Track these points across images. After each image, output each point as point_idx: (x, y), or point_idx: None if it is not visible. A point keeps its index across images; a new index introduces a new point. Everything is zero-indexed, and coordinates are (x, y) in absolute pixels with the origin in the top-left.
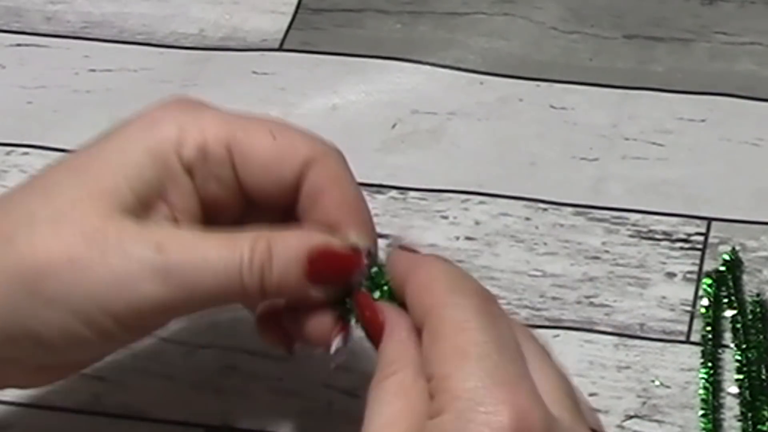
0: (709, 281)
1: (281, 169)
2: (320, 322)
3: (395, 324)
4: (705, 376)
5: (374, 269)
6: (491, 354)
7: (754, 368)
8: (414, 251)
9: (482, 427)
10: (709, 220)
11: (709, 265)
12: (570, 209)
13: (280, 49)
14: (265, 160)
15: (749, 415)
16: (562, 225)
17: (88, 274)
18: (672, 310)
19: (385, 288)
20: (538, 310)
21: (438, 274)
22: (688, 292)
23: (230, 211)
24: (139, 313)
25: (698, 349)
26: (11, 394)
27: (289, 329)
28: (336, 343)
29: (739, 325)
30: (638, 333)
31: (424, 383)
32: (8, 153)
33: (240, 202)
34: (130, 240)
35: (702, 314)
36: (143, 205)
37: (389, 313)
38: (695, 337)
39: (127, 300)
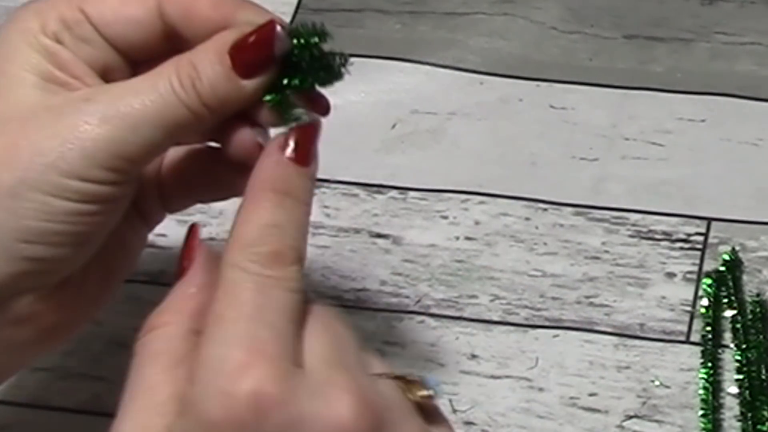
0: (709, 281)
1: (135, 11)
2: (243, 130)
3: (194, 274)
4: (705, 376)
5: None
6: (247, 318)
7: (754, 368)
8: (304, 153)
9: (222, 398)
10: (709, 220)
11: (709, 265)
12: (570, 209)
13: None
14: (115, 7)
15: (749, 415)
16: (562, 225)
17: (35, 149)
18: (672, 310)
19: (315, 51)
20: (538, 310)
21: (250, 223)
22: (688, 292)
23: (117, 75)
24: (95, 160)
25: (698, 349)
26: (11, 394)
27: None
28: (258, 136)
29: (739, 325)
30: (638, 333)
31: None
32: None
33: (120, 62)
34: (60, 106)
35: (702, 314)
36: (50, 84)
37: (198, 261)
38: (695, 337)
39: (78, 152)
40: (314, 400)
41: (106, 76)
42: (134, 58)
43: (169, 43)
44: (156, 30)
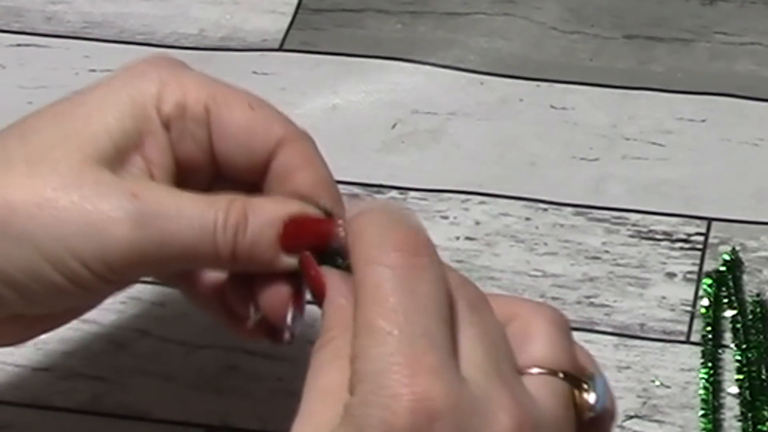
0: (709, 281)
1: (254, 141)
2: (277, 293)
3: (335, 288)
4: (705, 376)
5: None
6: (399, 327)
7: (754, 368)
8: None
9: (384, 411)
10: (709, 220)
11: (709, 265)
12: (570, 209)
13: (280, 49)
14: (240, 129)
15: (749, 415)
16: (562, 225)
17: (60, 216)
18: (672, 310)
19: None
20: None
21: (367, 223)
22: (688, 292)
23: (201, 176)
24: (108, 259)
25: (698, 349)
26: (11, 394)
27: (235, 304)
28: (291, 312)
29: (739, 325)
30: (638, 333)
31: None
32: None
33: (211, 167)
34: (105, 186)
35: (702, 314)
36: (120, 155)
37: (331, 276)
38: (695, 337)
39: (97, 243)
40: (474, 416)
41: (185, 173)
42: (224, 170)
43: (255, 175)
44: (261, 164)
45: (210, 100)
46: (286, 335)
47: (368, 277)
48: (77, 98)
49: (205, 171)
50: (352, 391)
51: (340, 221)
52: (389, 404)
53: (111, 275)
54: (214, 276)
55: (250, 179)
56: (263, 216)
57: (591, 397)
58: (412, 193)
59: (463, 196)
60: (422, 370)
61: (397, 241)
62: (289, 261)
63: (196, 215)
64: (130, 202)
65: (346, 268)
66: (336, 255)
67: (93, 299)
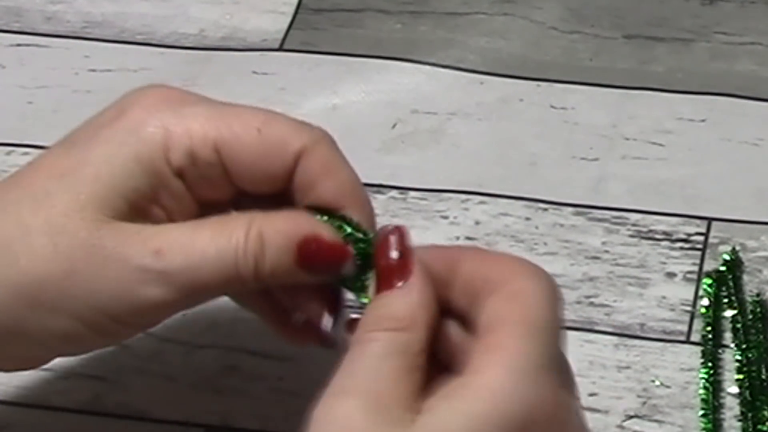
0: (709, 281)
1: (271, 164)
2: (312, 300)
3: (424, 281)
4: (705, 376)
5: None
6: (553, 336)
7: (754, 368)
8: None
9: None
10: (709, 220)
11: (709, 265)
12: (570, 209)
13: (280, 49)
14: (254, 158)
15: (749, 415)
16: (562, 225)
17: (89, 284)
18: (672, 310)
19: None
20: None
21: (498, 254)
22: (688, 292)
23: (226, 199)
24: (140, 314)
25: (698, 349)
26: (11, 394)
27: (282, 308)
28: (326, 319)
29: (739, 325)
30: (638, 333)
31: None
32: (8, 153)
33: (232, 193)
34: (127, 247)
35: (702, 314)
36: (137, 212)
37: (419, 266)
38: (695, 337)
39: (129, 304)
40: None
41: (210, 204)
42: (248, 193)
43: (280, 189)
44: (284, 182)
45: (218, 138)
46: (328, 340)
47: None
48: (80, 155)
49: (227, 199)
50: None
51: (350, 245)
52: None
53: (146, 325)
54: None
55: (278, 192)
56: (278, 240)
57: None
58: (412, 193)
59: (463, 196)
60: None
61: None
62: (312, 278)
63: (218, 254)
64: (153, 262)
65: (361, 288)
66: (353, 277)
67: (121, 341)
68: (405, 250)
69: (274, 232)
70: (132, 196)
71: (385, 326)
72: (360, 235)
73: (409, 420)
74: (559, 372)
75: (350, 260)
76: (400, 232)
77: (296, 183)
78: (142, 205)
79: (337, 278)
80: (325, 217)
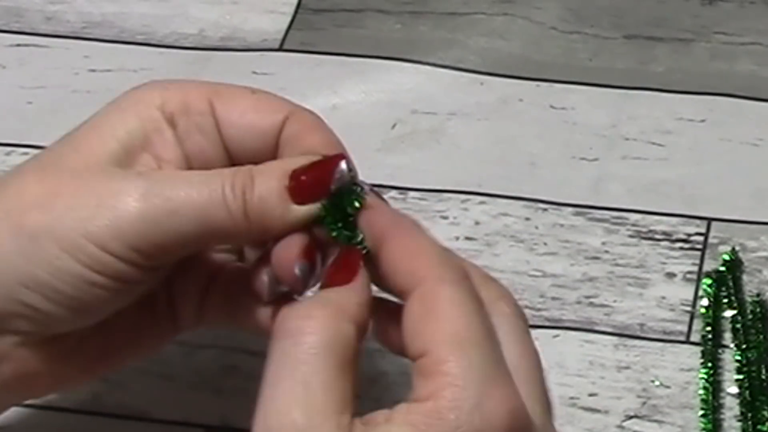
0: (709, 281)
1: (261, 119)
2: (287, 244)
3: (367, 280)
4: (705, 376)
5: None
6: (485, 346)
7: (754, 368)
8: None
9: (482, 423)
10: (709, 220)
11: (709, 265)
12: (570, 209)
13: (280, 49)
14: (245, 111)
15: (749, 415)
16: (562, 225)
17: (71, 202)
18: (672, 310)
19: (350, 218)
20: (538, 310)
21: (427, 245)
22: (688, 292)
23: (212, 167)
24: (123, 235)
25: (698, 349)
26: None
27: (259, 279)
28: (299, 265)
29: (739, 325)
30: (638, 333)
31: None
32: (8, 153)
33: (221, 157)
34: (113, 172)
35: (702, 314)
36: (128, 156)
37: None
38: (695, 337)
39: (109, 221)
40: None
41: (201, 167)
42: (237, 159)
43: (267, 157)
44: (272, 143)
45: (212, 93)
46: (299, 289)
47: (447, 294)
48: (86, 120)
49: (218, 163)
50: (432, 394)
51: (344, 157)
52: (489, 416)
53: (129, 254)
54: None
55: (263, 154)
56: (269, 173)
57: None
58: (412, 193)
59: (462, 196)
60: (514, 390)
61: (460, 268)
62: (301, 211)
63: (203, 182)
64: (136, 179)
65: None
66: (346, 195)
67: (123, 294)
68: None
69: (265, 167)
70: (125, 138)
71: (323, 312)
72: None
73: (346, 423)
74: (504, 378)
75: (343, 167)
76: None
77: (283, 138)
78: (135, 151)
79: (323, 215)
80: None
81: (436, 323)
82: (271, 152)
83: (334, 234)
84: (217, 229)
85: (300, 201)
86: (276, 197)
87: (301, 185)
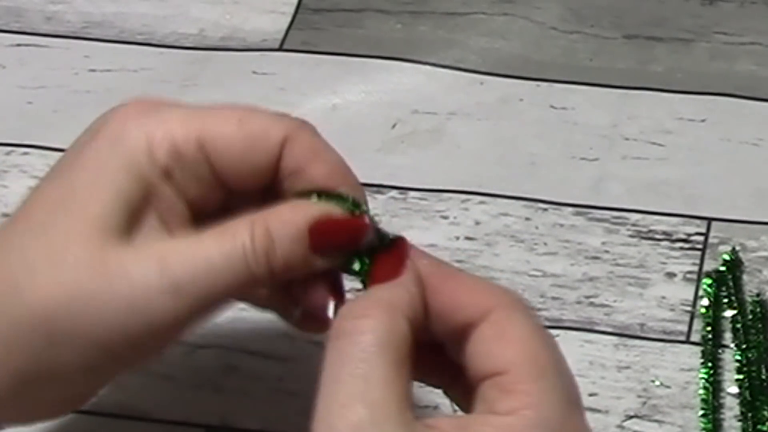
0: (709, 281)
1: (255, 154)
2: (316, 290)
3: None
4: (705, 376)
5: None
6: (562, 372)
7: (754, 368)
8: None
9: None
10: (709, 220)
11: (709, 265)
12: (570, 209)
13: (280, 49)
14: (238, 148)
15: (749, 415)
16: (562, 225)
17: (99, 305)
18: (672, 310)
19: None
20: (538, 310)
21: (479, 280)
22: (688, 292)
23: (215, 202)
24: (156, 331)
25: (698, 349)
26: None
27: (280, 304)
28: (332, 305)
29: (739, 325)
30: (638, 333)
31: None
32: (8, 153)
33: (223, 192)
34: (131, 263)
35: (702, 314)
36: (132, 221)
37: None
38: (695, 337)
39: (142, 321)
40: None
41: (199, 208)
42: (235, 194)
43: (268, 182)
44: (270, 172)
45: (199, 134)
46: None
47: (519, 319)
48: (71, 180)
49: (218, 197)
50: (512, 411)
51: (365, 216)
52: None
53: (162, 343)
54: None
55: (265, 186)
56: (287, 230)
57: None
58: (412, 193)
59: (463, 196)
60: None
61: (516, 296)
62: (327, 261)
63: (225, 258)
64: (159, 274)
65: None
66: (365, 250)
67: (135, 368)
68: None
69: (281, 224)
70: (124, 206)
71: (378, 311)
72: (364, 209)
73: (409, 420)
74: (579, 404)
75: (369, 229)
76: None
77: (283, 171)
78: (136, 214)
79: (349, 260)
80: (322, 199)
81: (515, 345)
82: (271, 178)
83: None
84: (243, 291)
85: (325, 256)
86: (300, 258)
87: (324, 245)
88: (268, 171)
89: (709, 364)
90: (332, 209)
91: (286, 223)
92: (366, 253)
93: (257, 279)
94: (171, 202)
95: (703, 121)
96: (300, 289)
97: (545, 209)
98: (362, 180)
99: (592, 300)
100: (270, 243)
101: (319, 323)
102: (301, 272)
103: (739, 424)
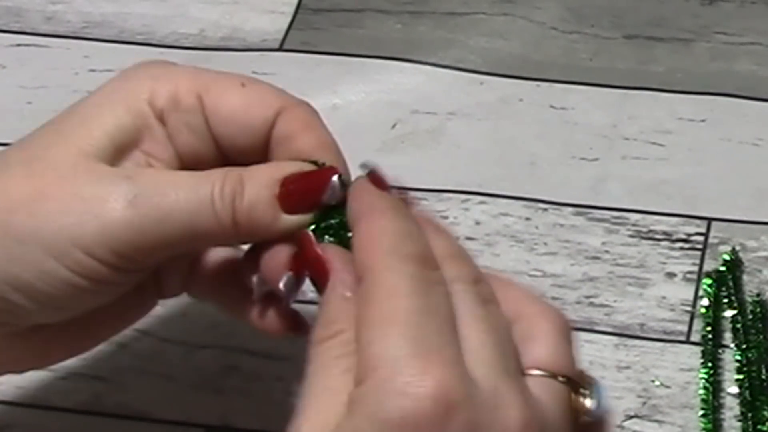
0: (709, 281)
1: (251, 116)
2: (275, 253)
3: (338, 276)
4: (705, 376)
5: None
6: (417, 322)
7: (754, 368)
8: (381, 184)
9: (401, 398)
10: (709, 220)
11: (709, 265)
12: (570, 209)
13: (280, 49)
14: (235, 108)
15: (749, 415)
16: (562, 225)
17: (59, 207)
18: (672, 310)
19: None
20: None
21: (383, 230)
22: (688, 292)
23: (206, 165)
24: (110, 242)
25: (698, 349)
26: (11, 394)
27: (247, 276)
28: (285, 278)
29: (739, 325)
30: (638, 333)
31: None
32: None
33: (213, 154)
34: (100, 174)
35: (702, 314)
36: (118, 152)
37: (335, 263)
38: (695, 337)
39: (97, 228)
40: (485, 410)
41: (192, 164)
42: (229, 156)
43: (259, 153)
44: (264, 139)
45: (201, 88)
46: (285, 301)
47: (383, 279)
48: (73, 107)
49: (210, 160)
50: (361, 380)
51: (337, 171)
52: (408, 391)
53: (116, 260)
54: (222, 253)
55: (257, 159)
56: (259, 179)
57: (588, 402)
58: (412, 193)
59: (463, 196)
60: (439, 362)
61: (413, 254)
62: (290, 220)
63: (192, 187)
64: (124, 182)
65: (344, 227)
66: (334, 210)
67: (107, 293)
68: (315, 256)
69: (255, 171)
70: (114, 134)
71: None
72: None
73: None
74: (430, 353)
75: (334, 181)
76: (307, 241)
77: (275, 137)
78: (124, 147)
79: (317, 216)
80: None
81: (366, 308)
82: (263, 148)
83: (323, 241)
84: (205, 234)
85: (290, 211)
86: (265, 206)
87: (291, 196)
88: (260, 135)
89: (709, 364)
90: (306, 165)
91: (260, 172)
92: (334, 220)
93: (219, 220)
94: (161, 147)
95: (703, 121)
96: (262, 255)
97: (545, 209)
98: None
99: (592, 300)
100: (239, 187)
101: (277, 322)
102: (263, 228)
103: (739, 424)
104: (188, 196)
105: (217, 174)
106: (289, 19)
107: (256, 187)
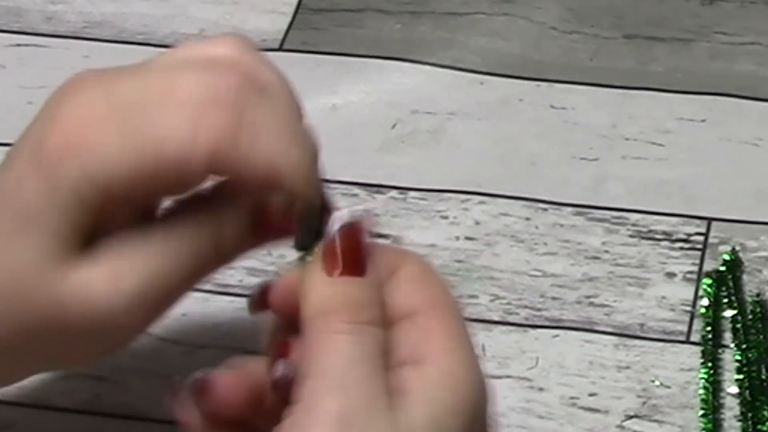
0: (709, 281)
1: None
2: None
3: (378, 265)
4: (705, 376)
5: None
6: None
7: (754, 368)
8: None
9: None
10: (709, 220)
11: (709, 265)
12: (570, 209)
13: (280, 49)
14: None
15: (749, 415)
16: (562, 225)
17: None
18: (672, 310)
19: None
20: (538, 310)
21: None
22: (688, 292)
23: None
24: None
25: (698, 349)
26: (11, 394)
27: None
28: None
29: (739, 325)
30: (638, 333)
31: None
32: None
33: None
34: (85, 278)
35: (702, 314)
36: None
37: (375, 251)
38: (695, 337)
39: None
40: None
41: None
42: None
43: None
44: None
45: (133, 174)
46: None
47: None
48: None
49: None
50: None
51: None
52: None
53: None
54: None
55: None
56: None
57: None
58: (412, 193)
59: (462, 196)
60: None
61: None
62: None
63: (180, 264)
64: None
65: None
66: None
67: None
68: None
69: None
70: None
71: (353, 318)
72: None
73: (392, 418)
74: None
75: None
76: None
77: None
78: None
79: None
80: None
81: (433, 337)
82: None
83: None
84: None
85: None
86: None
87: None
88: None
89: (709, 364)
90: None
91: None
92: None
93: (213, 265)
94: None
95: (703, 121)
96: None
97: (545, 209)
98: (362, 180)
99: (592, 300)
100: (220, 238)
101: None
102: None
103: (739, 424)
104: (177, 269)
105: (193, 231)
106: (289, 19)
107: (235, 232)
